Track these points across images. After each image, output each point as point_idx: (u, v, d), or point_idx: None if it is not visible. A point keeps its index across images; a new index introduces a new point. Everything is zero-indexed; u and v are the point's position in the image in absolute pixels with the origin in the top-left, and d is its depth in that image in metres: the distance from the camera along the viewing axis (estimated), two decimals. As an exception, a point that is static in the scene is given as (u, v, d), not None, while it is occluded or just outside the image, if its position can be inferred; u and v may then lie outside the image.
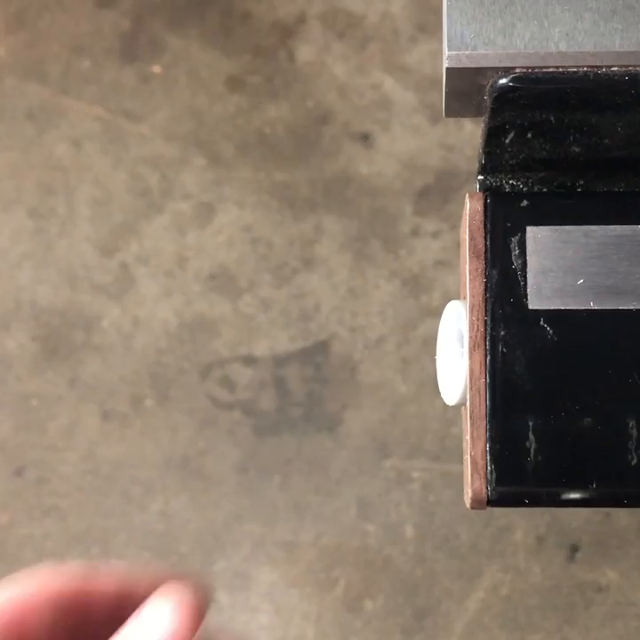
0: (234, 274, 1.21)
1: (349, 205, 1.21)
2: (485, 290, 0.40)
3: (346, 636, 1.12)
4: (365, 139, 1.24)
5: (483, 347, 0.39)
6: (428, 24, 1.27)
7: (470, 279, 0.40)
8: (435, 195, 1.22)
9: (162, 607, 0.34)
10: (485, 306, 0.40)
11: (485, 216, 0.40)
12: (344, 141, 1.24)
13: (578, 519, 1.12)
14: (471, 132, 1.21)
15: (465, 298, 0.41)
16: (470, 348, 0.39)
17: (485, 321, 0.39)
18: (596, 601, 1.11)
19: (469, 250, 0.40)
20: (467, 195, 0.41)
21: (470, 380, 0.39)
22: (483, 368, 0.39)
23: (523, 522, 1.12)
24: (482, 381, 0.39)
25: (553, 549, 1.12)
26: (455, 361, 0.41)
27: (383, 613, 1.12)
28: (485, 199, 0.41)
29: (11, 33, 1.28)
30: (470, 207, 0.41)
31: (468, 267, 0.40)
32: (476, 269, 0.40)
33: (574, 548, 1.12)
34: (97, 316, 1.20)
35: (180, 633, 0.33)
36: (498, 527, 1.13)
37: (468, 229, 0.41)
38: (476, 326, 0.39)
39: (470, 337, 0.39)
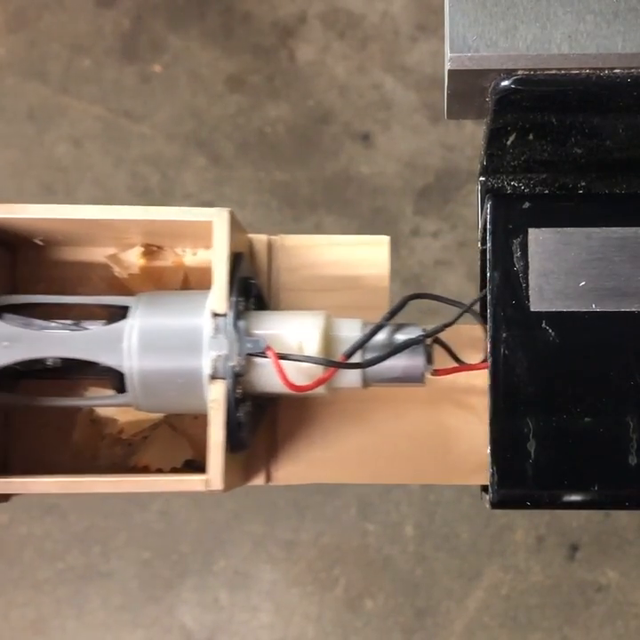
0: (234, 273, 1.20)
1: (350, 205, 1.21)
2: None
3: (346, 635, 1.12)
4: (366, 138, 1.24)
5: None
6: (428, 24, 1.26)
7: None
8: (435, 194, 1.21)
9: None
10: None
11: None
12: (344, 141, 1.24)
13: (578, 519, 1.12)
14: (472, 132, 1.21)
15: None
16: None
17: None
18: (596, 600, 1.11)
19: None
20: None
21: None
22: None
23: (523, 521, 1.12)
24: None
25: (553, 549, 1.12)
26: None
27: (383, 612, 1.12)
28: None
29: (11, 32, 1.28)
30: None
31: None
32: None
33: (574, 548, 1.12)
34: (97, 315, 1.20)
35: None
36: (498, 527, 1.13)
37: None
38: None
39: None
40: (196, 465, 0.46)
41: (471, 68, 0.38)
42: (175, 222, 0.42)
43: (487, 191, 0.43)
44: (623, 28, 0.37)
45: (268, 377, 0.40)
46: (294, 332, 0.41)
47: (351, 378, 0.41)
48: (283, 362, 0.39)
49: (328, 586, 1.13)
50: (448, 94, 0.40)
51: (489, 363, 0.39)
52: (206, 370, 0.39)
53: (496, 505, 0.38)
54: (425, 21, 1.27)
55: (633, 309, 0.39)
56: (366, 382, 0.41)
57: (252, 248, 0.47)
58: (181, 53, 1.27)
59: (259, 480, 0.47)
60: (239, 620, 1.14)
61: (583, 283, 0.39)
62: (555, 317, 0.39)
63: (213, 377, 0.39)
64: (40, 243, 0.45)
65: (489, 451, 0.39)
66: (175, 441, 0.47)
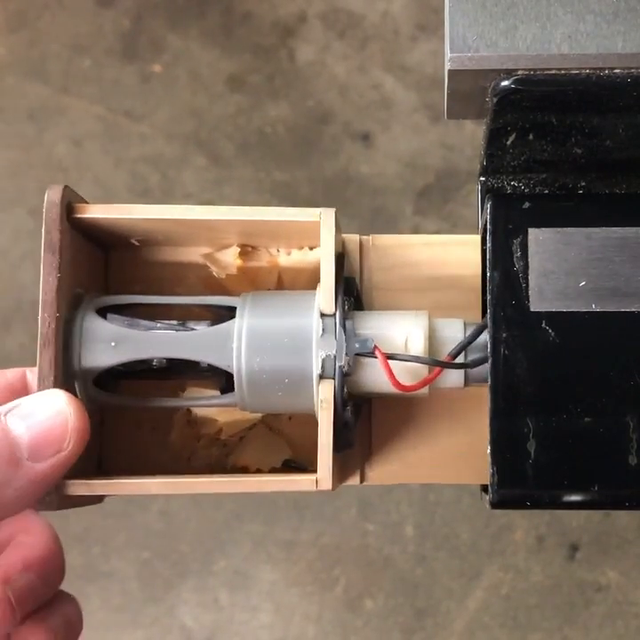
0: (234, 273, 1.21)
1: (350, 205, 1.21)
2: (57, 286, 0.39)
3: (346, 635, 1.12)
4: (366, 138, 1.24)
5: (52, 344, 0.39)
6: (428, 23, 1.26)
7: (44, 274, 0.39)
8: (435, 194, 1.22)
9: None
10: (57, 302, 0.39)
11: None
12: (344, 141, 1.24)
13: (578, 519, 1.12)
14: (472, 132, 1.21)
15: None
16: (40, 345, 0.39)
17: (57, 317, 0.39)
18: (596, 600, 1.11)
19: (45, 244, 0.39)
20: (48, 190, 0.40)
21: (39, 378, 0.39)
22: (51, 366, 0.39)
23: (523, 521, 1.12)
24: (50, 379, 0.38)
25: (553, 549, 1.12)
26: None
27: (383, 612, 1.12)
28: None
29: (11, 32, 1.28)
30: (48, 199, 0.40)
31: (43, 261, 0.39)
32: (50, 264, 0.39)
33: (574, 548, 1.12)
34: (97, 315, 1.20)
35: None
36: (498, 526, 1.13)
37: (44, 222, 0.40)
38: (47, 323, 0.39)
39: (41, 333, 0.39)
40: (294, 465, 0.46)
41: (471, 68, 0.37)
42: (278, 223, 0.42)
43: (487, 191, 0.43)
44: (623, 27, 0.37)
45: (375, 376, 0.40)
46: (398, 332, 0.41)
47: (455, 378, 0.41)
48: (390, 361, 0.39)
49: (328, 586, 1.13)
50: (448, 94, 0.40)
51: (489, 363, 0.39)
52: (315, 370, 0.39)
53: (496, 505, 0.38)
54: (425, 21, 1.27)
55: (633, 309, 0.39)
56: (467, 382, 0.41)
57: (344, 248, 0.47)
58: (181, 53, 1.27)
59: (353, 480, 0.46)
60: (239, 620, 1.14)
61: (583, 283, 0.39)
62: (555, 317, 0.39)
63: (322, 377, 0.39)
64: (136, 243, 0.45)
65: (489, 451, 0.39)
66: (273, 441, 0.46)
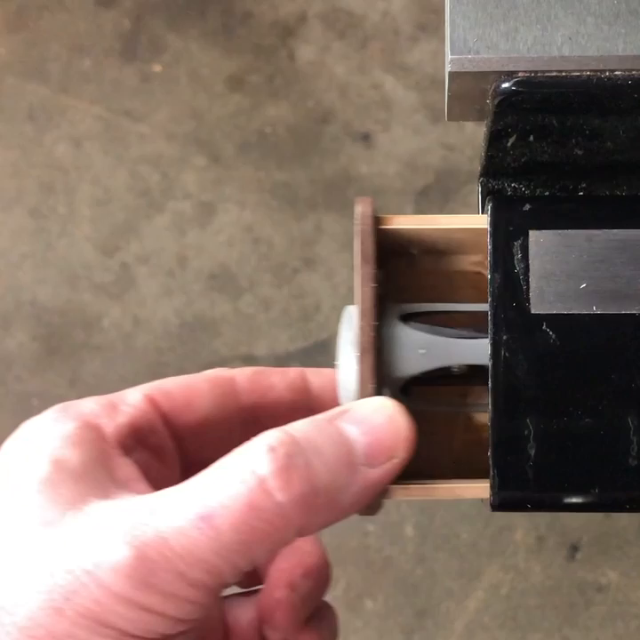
0: (234, 273, 1.21)
1: (350, 205, 1.20)
2: (373, 295, 0.39)
3: (346, 636, 1.12)
4: (366, 138, 1.24)
5: (371, 352, 0.39)
6: (428, 23, 1.27)
7: (361, 284, 0.40)
8: (435, 194, 1.22)
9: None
10: (374, 311, 0.39)
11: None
12: (344, 141, 1.24)
13: (578, 519, 1.12)
14: (472, 132, 1.21)
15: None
16: (360, 353, 0.39)
17: (374, 325, 0.39)
18: (595, 601, 1.11)
19: (362, 255, 0.40)
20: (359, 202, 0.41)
21: (361, 385, 0.39)
22: (371, 373, 0.39)
23: (523, 521, 1.12)
24: (370, 386, 0.39)
25: (553, 549, 1.12)
26: (352, 365, 0.41)
27: (383, 613, 1.13)
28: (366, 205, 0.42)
29: (11, 32, 1.28)
30: (361, 212, 0.41)
31: (359, 271, 0.40)
32: (367, 274, 0.40)
33: (574, 548, 1.12)
34: (97, 315, 1.20)
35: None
36: (498, 527, 1.13)
37: (358, 234, 0.40)
38: (366, 331, 0.39)
39: (360, 342, 0.39)
40: None
41: (472, 70, 0.37)
42: None
43: (488, 193, 0.42)
44: (624, 29, 0.37)
45: None
46: None
47: None
48: None
49: (328, 586, 1.13)
50: (449, 96, 0.40)
51: (490, 365, 0.39)
52: None
53: (497, 507, 0.38)
54: (425, 21, 1.27)
55: (634, 311, 0.39)
56: None
57: None
58: (181, 53, 1.27)
59: None
60: (239, 621, 1.14)
61: (584, 285, 0.39)
62: (555, 320, 0.39)
63: None
64: (414, 252, 0.45)
65: (489, 453, 0.39)
66: None
